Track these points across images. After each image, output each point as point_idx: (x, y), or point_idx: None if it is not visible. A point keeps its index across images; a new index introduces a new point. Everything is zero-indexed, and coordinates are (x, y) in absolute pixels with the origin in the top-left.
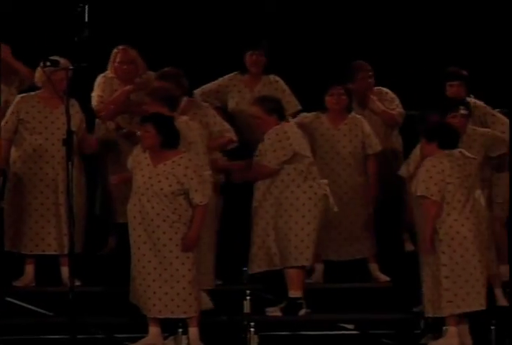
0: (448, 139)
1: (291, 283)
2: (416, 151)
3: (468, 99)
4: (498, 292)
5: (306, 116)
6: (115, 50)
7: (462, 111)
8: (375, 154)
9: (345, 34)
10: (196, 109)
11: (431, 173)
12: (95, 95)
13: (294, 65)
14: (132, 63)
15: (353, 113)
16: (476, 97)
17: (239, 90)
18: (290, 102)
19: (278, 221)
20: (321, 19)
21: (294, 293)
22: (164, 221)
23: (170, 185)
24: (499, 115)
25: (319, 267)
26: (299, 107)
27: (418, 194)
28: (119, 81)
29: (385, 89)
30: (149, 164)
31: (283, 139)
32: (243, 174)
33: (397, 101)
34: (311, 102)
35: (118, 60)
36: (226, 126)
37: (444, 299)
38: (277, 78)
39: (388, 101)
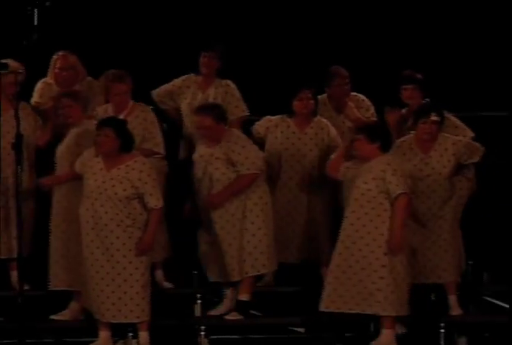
0: (389, 141)
1: (246, 287)
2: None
3: (423, 102)
4: (453, 300)
5: (271, 120)
6: (54, 56)
7: (433, 118)
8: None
9: (311, 39)
10: (139, 112)
11: (400, 172)
12: (32, 102)
13: (258, 69)
14: (72, 69)
15: (318, 117)
16: (431, 100)
17: (192, 91)
18: (239, 107)
19: (250, 228)
20: (287, 24)
21: (246, 296)
22: (118, 225)
23: (125, 190)
24: (453, 118)
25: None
26: (247, 113)
27: (400, 192)
28: (58, 87)
29: (361, 96)
30: (102, 168)
31: (250, 142)
32: (223, 194)
33: (372, 110)
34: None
35: (57, 66)
36: (154, 134)
37: (374, 299)
38: (229, 82)
39: (364, 109)
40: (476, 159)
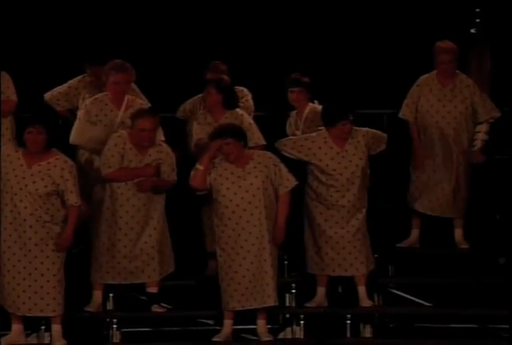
0: (246, 137)
1: (155, 281)
2: None
3: (311, 104)
4: (362, 291)
5: (200, 114)
6: None
7: (351, 117)
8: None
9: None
10: (138, 105)
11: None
12: None
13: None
14: None
15: (237, 109)
16: (319, 102)
17: (89, 91)
18: (144, 100)
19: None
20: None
21: (154, 289)
22: (37, 221)
23: (46, 186)
24: None
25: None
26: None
27: (294, 185)
28: None
29: (240, 87)
30: (22, 164)
31: None
32: (148, 183)
33: (247, 97)
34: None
35: None
36: None
37: (267, 293)
38: None
39: (240, 97)
40: (383, 147)
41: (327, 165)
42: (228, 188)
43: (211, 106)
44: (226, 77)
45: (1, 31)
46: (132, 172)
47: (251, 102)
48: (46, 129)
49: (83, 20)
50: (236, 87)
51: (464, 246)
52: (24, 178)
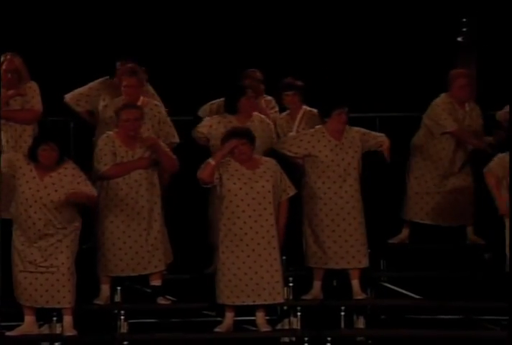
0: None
1: (157, 273)
2: None
3: (304, 107)
4: (356, 284)
5: (212, 118)
6: (2, 58)
7: (346, 108)
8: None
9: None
10: (152, 106)
11: None
12: None
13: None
14: (16, 72)
15: (256, 112)
16: (309, 105)
17: (109, 92)
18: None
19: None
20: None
21: (158, 282)
22: (50, 229)
23: (60, 197)
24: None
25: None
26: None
27: (294, 192)
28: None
29: (269, 97)
30: (35, 176)
31: None
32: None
33: (276, 108)
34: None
35: (3, 67)
36: (170, 127)
37: (275, 290)
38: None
39: (269, 107)
40: (377, 145)
41: (326, 156)
42: (241, 188)
43: (250, 111)
44: (262, 85)
45: (21, 33)
46: (128, 166)
47: (278, 112)
48: (58, 145)
49: (104, 24)
50: (266, 96)
51: (480, 242)
52: (38, 191)
